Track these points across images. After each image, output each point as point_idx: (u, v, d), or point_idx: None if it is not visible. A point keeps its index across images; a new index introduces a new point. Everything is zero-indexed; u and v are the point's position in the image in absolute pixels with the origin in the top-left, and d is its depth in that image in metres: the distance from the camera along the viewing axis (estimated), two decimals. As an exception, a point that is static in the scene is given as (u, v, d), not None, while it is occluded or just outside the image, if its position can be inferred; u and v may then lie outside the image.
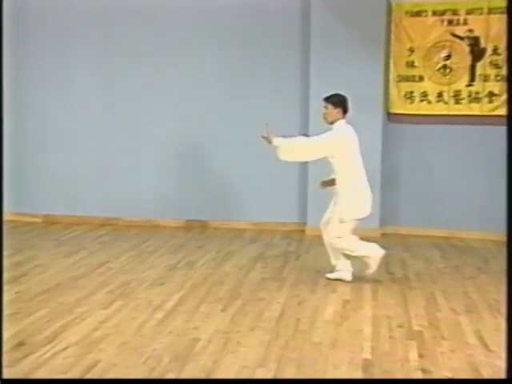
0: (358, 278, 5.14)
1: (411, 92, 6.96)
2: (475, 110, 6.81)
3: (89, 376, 3.29)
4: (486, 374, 3.36)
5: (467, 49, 6.76)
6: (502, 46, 6.55)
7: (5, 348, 3.53)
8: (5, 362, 3.31)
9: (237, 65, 7.22)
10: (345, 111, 5.02)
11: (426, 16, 6.82)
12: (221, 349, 3.67)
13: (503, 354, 3.24)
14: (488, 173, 6.79)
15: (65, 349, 3.63)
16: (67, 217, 7.55)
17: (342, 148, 4.95)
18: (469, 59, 6.76)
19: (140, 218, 7.46)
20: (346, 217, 4.96)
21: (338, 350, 3.67)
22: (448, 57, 6.83)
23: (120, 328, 4.00)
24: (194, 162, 7.45)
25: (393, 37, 6.93)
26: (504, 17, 6.34)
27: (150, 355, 3.56)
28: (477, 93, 6.78)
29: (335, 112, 4.99)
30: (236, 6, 7.11)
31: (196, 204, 7.46)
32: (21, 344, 3.68)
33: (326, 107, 5.03)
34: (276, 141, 4.93)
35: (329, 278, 5.14)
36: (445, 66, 6.85)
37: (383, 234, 7.00)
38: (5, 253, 5.66)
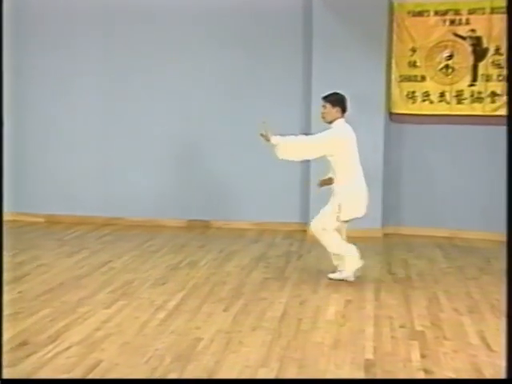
0: (360, 278, 5.14)
1: (413, 92, 6.96)
2: (477, 110, 6.80)
3: (91, 376, 3.29)
4: (489, 375, 3.36)
5: (469, 49, 6.75)
6: (505, 45, 6.54)
7: (7, 347, 3.54)
8: (7, 362, 3.33)
9: (238, 65, 7.22)
10: (343, 110, 5.02)
11: (428, 16, 6.82)
12: (223, 349, 3.67)
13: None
14: (490, 173, 6.78)
15: (67, 348, 3.63)
16: (69, 217, 7.56)
17: (340, 147, 4.95)
18: (471, 59, 6.76)
19: (142, 217, 7.47)
20: (342, 216, 4.96)
21: (340, 350, 3.67)
22: (450, 57, 6.82)
23: (122, 328, 4.00)
24: (197, 161, 7.46)
25: (395, 37, 6.93)
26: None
27: (152, 355, 3.56)
28: (479, 93, 6.78)
29: (334, 111, 4.98)
30: (236, 6, 7.11)
31: (198, 204, 7.46)
32: (23, 343, 3.69)
33: (324, 106, 5.03)
34: (274, 139, 4.91)
35: (331, 278, 5.14)
36: (447, 66, 6.85)
37: (385, 234, 7.00)
38: (8, 253, 5.71)
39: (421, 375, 3.35)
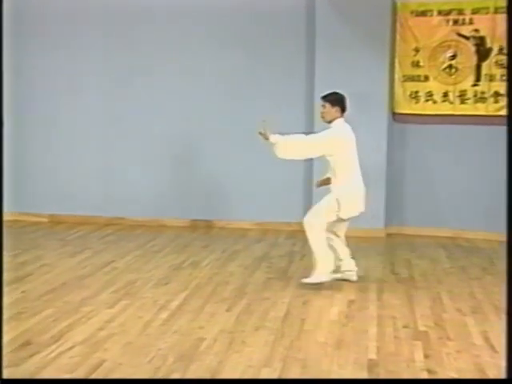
0: (363, 279, 5.13)
1: (416, 92, 6.95)
2: (481, 109, 6.79)
3: (94, 376, 3.29)
4: (492, 375, 3.36)
5: (473, 48, 6.74)
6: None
7: (10, 347, 3.55)
8: (11, 362, 3.33)
9: (238, 65, 7.21)
10: (343, 110, 4.99)
11: (432, 16, 6.81)
12: (226, 348, 3.67)
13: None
14: (494, 173, 6.74)
15: (70, 348, 3.64)
16: (72, 216, 7.56)
17: (339, 147, 4.92)
18: (474, 59, 6.75)
19: (145, 217, 7.47)
20: (342, 214, 4.92)
21: (343, 350, 3.66)
22: (453, 56, 6.81)
23: (125, 327, 4.00)
24: (197, 161, 7.45)
25: (398, 37, 6.92)
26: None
27: (155, 355, 3.56)
28: (482, 93, 6.76)
29: (333, 111, 4.96)
30: (237, 6, 7.10)
31: (201, 204, 7.46)
32: (27, 343, 3.69)
33: (323, 106, 5.01)
34: (273, 138, 4.87)
35: (333, 279, 5.13)
36: (450, 66, 6.83)
37: (388, 234, 6.99)
38: (10, 253, 5.71)
39: (424, 375, 3.35)
